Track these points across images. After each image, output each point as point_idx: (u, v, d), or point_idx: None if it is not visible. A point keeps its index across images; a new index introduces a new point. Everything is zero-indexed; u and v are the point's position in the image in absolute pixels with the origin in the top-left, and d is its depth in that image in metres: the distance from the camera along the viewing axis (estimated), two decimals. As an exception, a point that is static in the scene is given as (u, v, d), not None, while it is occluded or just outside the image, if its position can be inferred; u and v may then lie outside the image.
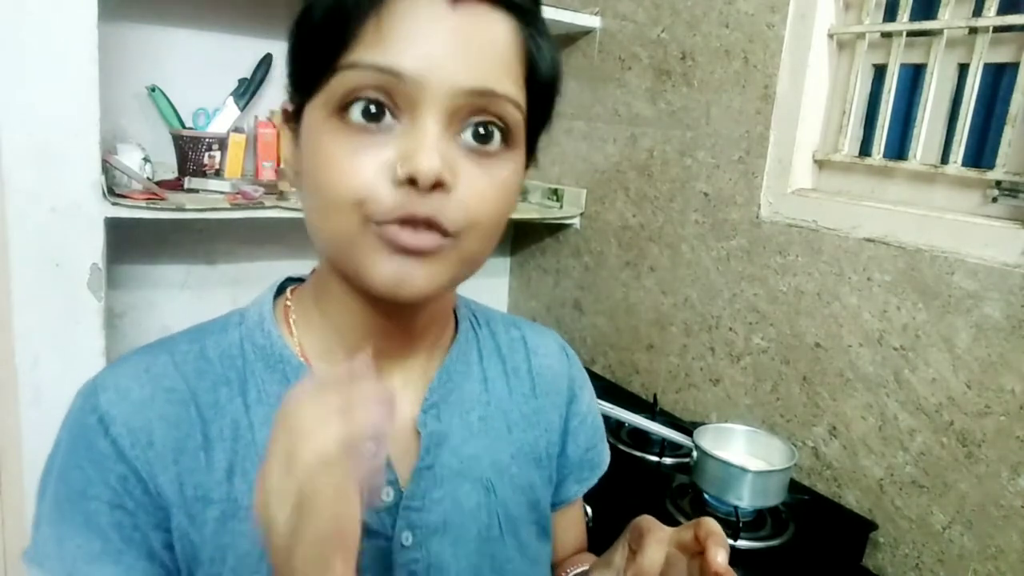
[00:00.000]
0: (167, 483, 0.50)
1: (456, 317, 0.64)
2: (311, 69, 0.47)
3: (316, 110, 0.48)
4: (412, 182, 0.45)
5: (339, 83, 0.46)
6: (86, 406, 0.51)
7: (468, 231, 0.48)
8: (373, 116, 0.46)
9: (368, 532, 0.52)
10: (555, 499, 0.69)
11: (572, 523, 0.74)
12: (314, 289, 0.57)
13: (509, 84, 0.47)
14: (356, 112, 0.46)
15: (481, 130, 0.47)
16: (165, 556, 0.51)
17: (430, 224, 0.46)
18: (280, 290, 0.60)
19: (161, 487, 0.50)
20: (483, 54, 0.46)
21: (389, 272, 0.47)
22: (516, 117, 0.48)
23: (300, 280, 0.61)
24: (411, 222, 0.45)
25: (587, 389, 0.71)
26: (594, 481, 0.72)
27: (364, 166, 0.45)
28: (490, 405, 0.62)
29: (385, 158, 0.45)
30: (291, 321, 0.57)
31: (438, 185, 0.45)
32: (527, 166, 0.55)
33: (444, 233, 0.47)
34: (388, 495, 0.54)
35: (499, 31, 0.47)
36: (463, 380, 0.61)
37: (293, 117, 0.52)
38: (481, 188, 0.47)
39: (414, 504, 0.55)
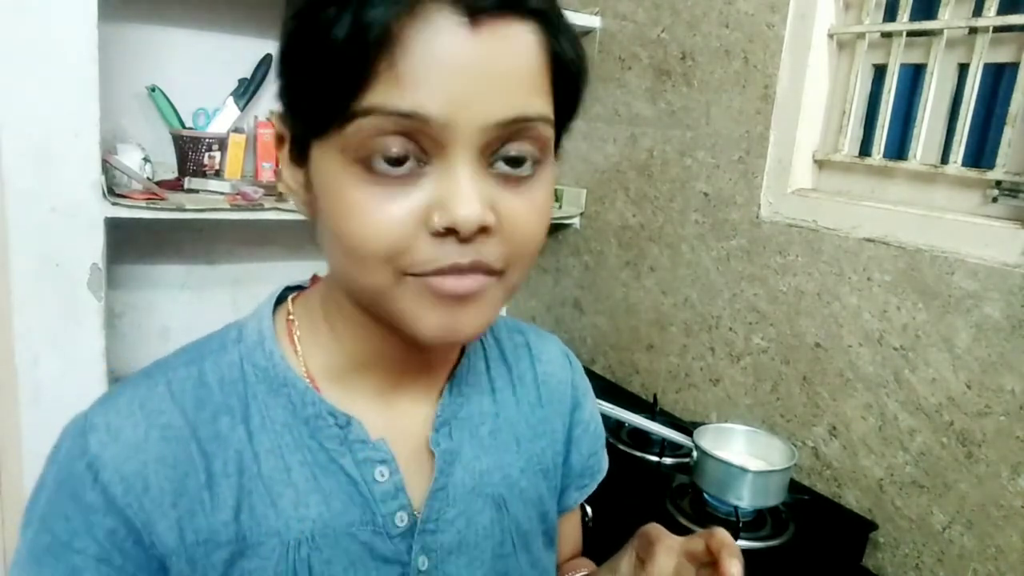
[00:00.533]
0: (166, 530, 0.47)
1: None
2: (320, 110, 0.42)
3: (331, 153, 0.43)
4: (451, 232, 0.41)
5: (357, 131, 0.41)
6: (74, 448, 0.47)
7: (514, 264, 0.45)
8: (399, 162, 0.41)
9: (384, 560, 0.51)
10: (558, 507, 0.68)
11: (571, 528, 0.74)
12: (323, 303, 0.53)
13: (539, 102, 0.44)
14: (380, 162, 0.41)
15: (514, 154, 0.43)
16: None
17: (476, 268, 0.43)
18: (281, 299, 0.56)
19: (158, 536, 0.47)
20: (511, 79, 0.42)
21: (436, 322, 0.44)
22: (548, 134, 0.45)
23: (300, 287, 0.57)
24: (453, 272, 0.43)
25: (589, 396, 0.70)
26: (593, 487, 0.71)
27: (394, 217, 0.41)
28: (499, 417, 0.59)
29: (416, 205, 0.42)
30: (295, 338, 0.53)
31: (482, 231, 0.42)
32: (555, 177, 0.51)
33: (490, 272, 0.44)
34: (403, 520, 0.52)
35: (524, 45, 0.42)
36: (472, 393, 0.58)
37: (296, 147, 0.47)
38: (522, 218, 0.44)
39: (428, 527, 0.53)
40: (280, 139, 0.49)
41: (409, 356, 0.53)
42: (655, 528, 0.55)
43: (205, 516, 0.48)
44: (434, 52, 0.39)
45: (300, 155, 0.46)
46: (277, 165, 1.59)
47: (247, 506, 0.48)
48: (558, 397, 0.65)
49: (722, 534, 0.51)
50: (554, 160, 0.48)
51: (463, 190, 0.41)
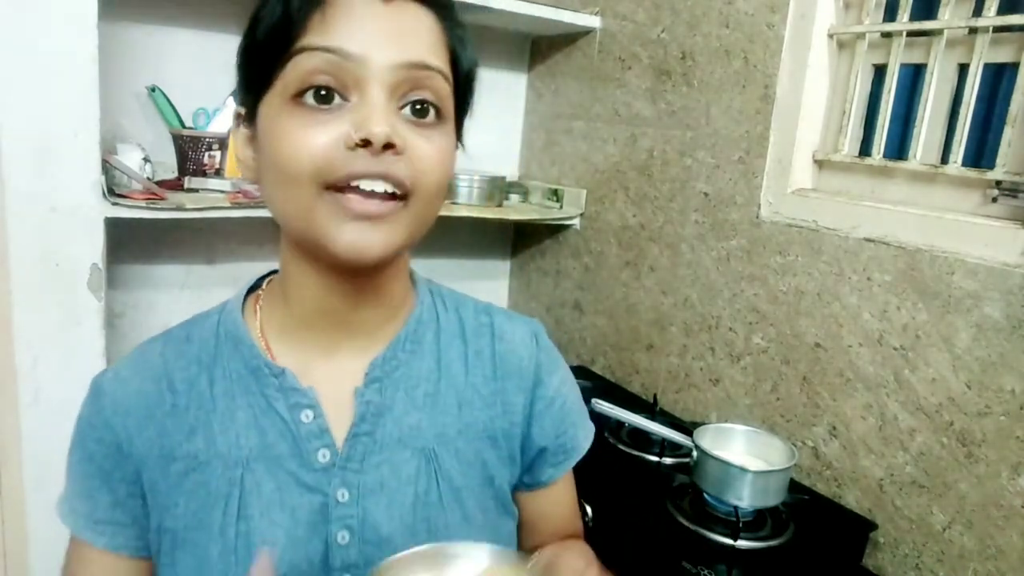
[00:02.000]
0: (140, 445, 0.61)
1: (416, 301, 0.68)
2: (265, 64, 0.54)
3: (273, 99, 0.54)
4: (366, 144, 0.51)
5: (292, 69, 0.52)
6: (95, 382, 0.64)
7: (417, 191, 0.54)
8: (325, 98, 0.52)
9: (307, 488, 0.60)
10: (530, 481, 0.72)
11: (553, 506, 0.75)
12: (280, 276, 0.64)
13: (437, 60, 0.55)
14: (310, 96, 0.52)
15: (418, 105, 0.54)
16: (130, 502, 0.62)
17: (385, 178, 0.52)
18: (260, 282, 0.69)
19: (135, 448, 0.61)
20: (414, 36, 0.54)
21: (349, 238, 0.53)
22: (446, 90, 0.56)
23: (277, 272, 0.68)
24: (366, 177, 0.52)
25: (557, 376, 0.72)
26: (569, 465, 0.74)
27: (319, 138, 0.51)
28: (440, 382, 0.66)
29: (338, 131, 0.52)
30: (258, 307, 0.66)
31: (389, 146, 0.51)
32: (456, 147, 0.61)
33: (395, 196, 0.53)
34: (324, 457, 0.61)
35: (425, 22, 0.55)
36: (410, 358, 0.65)
37: (247, 118, 0.58)
38: (425, 152, 0.54)
39: (351, 466, 0.61)
40: (237, 119, 0.60)
41: (345, 312, 0.62)
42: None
43: (167, 436, 0.61)
44: (354, 10, 0.52)
45: (250, 122, 0.57)
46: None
47: (201, 433, 0.61)
48: (517, 373, 0.69)
49: None
50: (455, 137, 0.60)
51: (375, 113, 0.51)
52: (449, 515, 0.63)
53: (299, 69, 0.52)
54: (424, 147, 0.54)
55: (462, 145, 0.63)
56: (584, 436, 0.75)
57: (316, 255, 0.57)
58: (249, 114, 0.58)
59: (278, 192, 0.55)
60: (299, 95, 0.52)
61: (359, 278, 0.60)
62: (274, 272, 0.68)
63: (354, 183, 0.52)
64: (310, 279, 0.60)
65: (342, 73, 0.52)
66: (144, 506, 0.62)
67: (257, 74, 0.55)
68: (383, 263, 0.56)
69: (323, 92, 0.52)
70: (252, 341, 0.63)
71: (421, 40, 0.54)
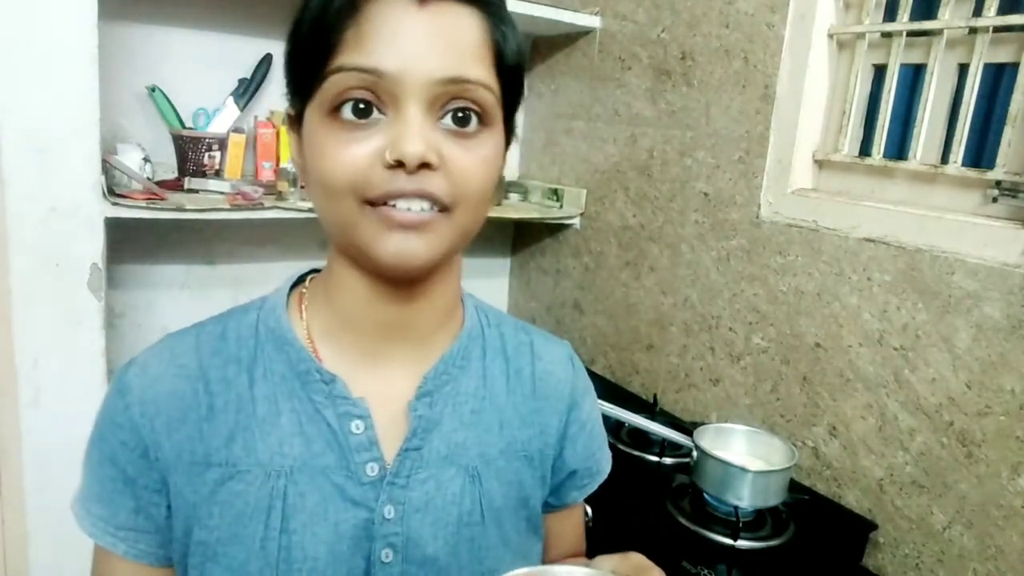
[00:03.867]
0: (168, 449, 0.57)
1: (464, 315, 0.67)
2: (305, 76, 0.53)
3: (313, 112, 0.53)
4: (400, 164, 0.50)
5: (329, 86, 0.51)
6: (119, 376, 0.60)
7: (458, 203, 0.53)
8: (362, 112, 0.51)
9: (352, 503, 0.58)
10: (555, 502, 0.72)
11: (571, 526, 0.76)
12: (325, 276, 0.62)
13: (479, 70, 0.52)
14: (347, 111, 0.51)
15: (459, 114, 0.52)
16: (152, 510, 0.58)
17: (420, 196, 0.51)
18: (303, 279, 0.66)
19: (162, 453, 0.57)
20: (452, 46, 0.51)
21: (392, 248, 0.52)
22: (490, 99, 0.53)
23: (318, 270, 0.67)
24: (401, 196, 0.51)
25: (589, 399, 0.73)
26: (594, 487, 0.74)
27: (357, 155, 0.51)
28: (485, 400, 0.64)
29: (375, 147, 0.51)
30: (303, 307, 0.62)
31: (424, 166, 0.51)
32: (508, 142, 0.60)
33: (434, 205, 0.52)
34: (373, 471, 0.58)
35: (465, 24, 0.52)
36: (460, 374, 0.64)
37: (296, 121, 0.57)
38: (465, 164, 0.53)
39: (398, 482, 0.59)
40: (289, 120, 0.59)
41: (394, 317, 0.60)
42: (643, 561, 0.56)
43: (202, 442, 0.57)
44: (389, 23, 0.50)
45: (299, 125, 0.56)
46: (278, 164, 1.60)
47: (240, 439, 0.57)
48: (555, 395, 0.69)
49: None
50: (503, 138, 0.58)
51: (409, 132, 0.50)
52: (490, 535, 0.62)
53: (335, 86, 0.51)
54: (463, 159, 0.53)
55: (515, 137, 0.61)
56: (606, 460, 0.76)
57: (362, 262, 0.56)
58: (298, 117, 0.57)
59: (322, 203, 0.55)
60: (336, 109, 0.51)
61: (407, 282, 0.58)
62: (314, 271, 0.66)
63: (391, 202, 0.51)
64: (358, 283, 0.58)
65: (378, 89, 0.51)
66: (168, 514, 0.58)
67: (299, 84, 0.55)
68: (430, 269, 0.56)
69: (361, 106, 0.51)
70: (300, 343, 0.60)
71: (461, 48, 0.51)
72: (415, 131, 0.50)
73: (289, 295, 0.64)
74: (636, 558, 0.57)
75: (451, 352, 0.63)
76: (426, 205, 0.52)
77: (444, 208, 0.53)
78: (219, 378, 0.59)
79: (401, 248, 0.52)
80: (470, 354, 0.65)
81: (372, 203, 0.52)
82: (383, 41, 0.50)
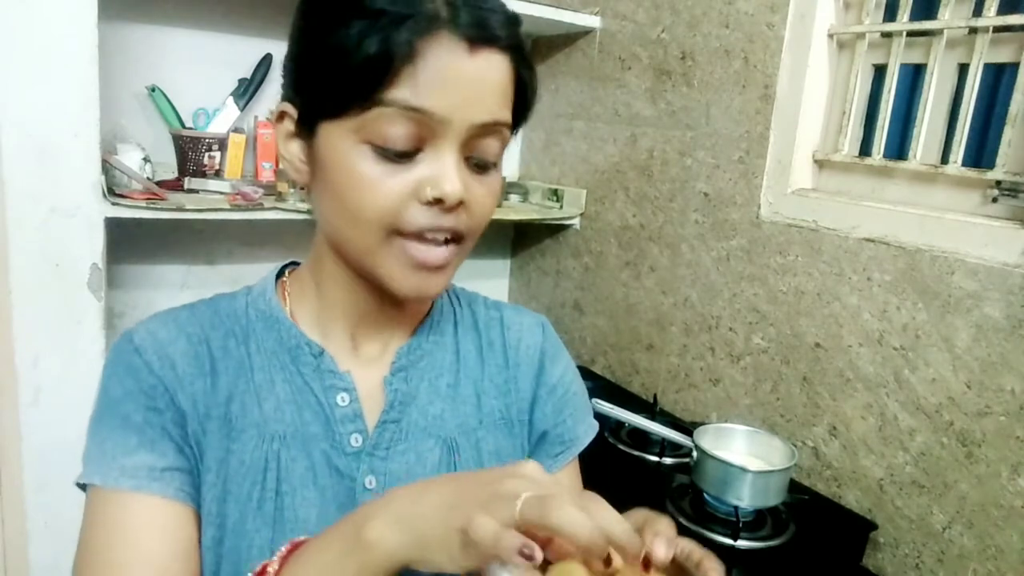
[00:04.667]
0: (184, 399, 0.60)
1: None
2: (344, 97, 0.53)
3: (344, 132, 0.54)
4: (438, 202, 0.54)
5: (376, 116, 0.53)
6: (123, 344, 0.61)
7: (472, 233, 0.59)
8: (408, 152, 0.54)
9: (337, 472, 0.61)
10: None
11: None
12: (312, 269, 0.66)
13: (506, 112, 0.57)
14: (392, 143, 0.53)
15: (485, 154, 0.57)
16: (187, 450, 0.60)
17: (451, 238, 0.56)
18: (282, 272, 0.70)
19: (180, 402, 0.60)
20: (492, 93, 0.55)
21: (412, 284, 0.57)
22: (507, 136, 0.59)
23: (296, 264, 0.71)
24: (436, 231, 0.55)
25: (559, 364, 0.75)
26: (567, 458, 0.73)
27: (394, 189, 0.54)
28: (460, 373, 0.69)
29: (412, 182, 0.54)
30: (286, 294, 0.67)
31: (460, 204, 0.55)
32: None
33: (457, 239, 0.57)
34: (357, 442, 0.62)
35: (502, 69, 0.56)
36: (434, 349, 0.68)
37: (302, 126, 0.58)
38: (483, 199, 0.58)
39: (378, 453, 0.63)
40: (281, 115, 0.59)
41: (377, 309, 0.64)
42: (659, 521, 0.57)
43: (205, 396, 0.61)
44: (443, 67, 0.52)
45: (306, 131, 0.57)
46: (278, 165, 1.60)
47: (238, 400, 0.61)
48: (526, 360, 0.73)
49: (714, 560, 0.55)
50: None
51: (451, 172, 0.54)
52: None
53: (383, 119, 0.52)
54: (482, 194, 0.57)
55: (514, 136, 0.65)
56: (584, 431, 0.76)
57: (368, 277, 0.60)
58: (304, 121, 0.57)
59: (342, 224, 0.57)
60: (376, 139, 0.53)
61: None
62: (292, 264, 0.70)
63: (418, 231, 0.55)
64: (352, 282, 0.63)
65: (423, 130, 0.53)
66: (195, 453, 0.60)
67: (327, 96, 0.54)
68: None
69: (410, 144, 0.54)
70: (289, 321, 0.64)
71: (498, 94, 0.56)
72: (455, 172, 0.54)
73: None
74: (640, 511, 0.59)
75: (422, 328, 0.68)
76: (449, 235, 0.56)
77: (460, 238, 0.57)
78: (220, 346, 0.63)
79: (421, 286, 0.57)
80: (443, 330, 0.70)
81: (400, 233, 0.55)
82: (436, 84, 0.52)
